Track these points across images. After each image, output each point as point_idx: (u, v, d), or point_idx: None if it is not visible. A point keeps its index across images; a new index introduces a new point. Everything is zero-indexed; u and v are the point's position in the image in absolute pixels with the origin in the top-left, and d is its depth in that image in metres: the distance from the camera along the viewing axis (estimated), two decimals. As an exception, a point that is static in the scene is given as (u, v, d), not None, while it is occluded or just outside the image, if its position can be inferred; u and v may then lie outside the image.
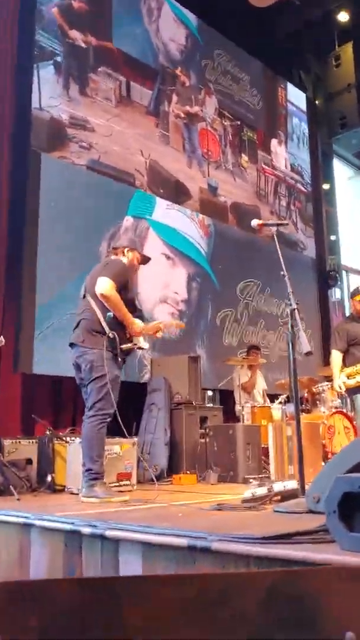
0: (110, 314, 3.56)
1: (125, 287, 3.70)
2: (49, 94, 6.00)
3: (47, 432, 4.54)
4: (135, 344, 3.73)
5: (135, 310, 3.82)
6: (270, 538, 1.77)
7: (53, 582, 0.62)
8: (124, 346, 3.59)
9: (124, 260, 3.86)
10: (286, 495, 2.86)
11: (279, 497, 2.89)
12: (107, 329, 3.54)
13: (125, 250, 3.93)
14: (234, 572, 0.63)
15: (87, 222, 6.06)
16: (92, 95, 6.50)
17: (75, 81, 6.34)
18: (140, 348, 3.87)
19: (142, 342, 3.84)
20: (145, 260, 4.05)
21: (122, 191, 6.61)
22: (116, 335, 3.54)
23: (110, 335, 3.52)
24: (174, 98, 7.68)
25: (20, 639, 0.60)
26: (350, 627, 0.60)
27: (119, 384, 3.64)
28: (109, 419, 3.53)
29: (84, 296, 3.73)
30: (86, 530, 2.24)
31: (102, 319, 3.56)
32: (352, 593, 0.62)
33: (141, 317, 3.91)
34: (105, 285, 3.54)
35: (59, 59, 6.18)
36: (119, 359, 3.60)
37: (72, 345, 3.69)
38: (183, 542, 1.83)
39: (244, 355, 6.92)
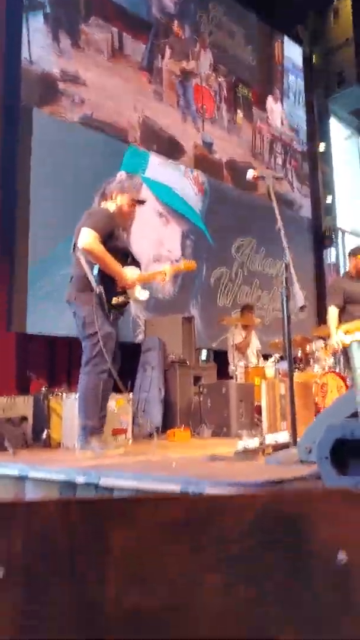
0: (97, 267, 3.38)
1: (112, 235, 3.48)
2: (39, 46, 5.82)
3: (43, 390, 4.55)
4: (129, 297, 3.55)
5: (128, 259, 3.60)
6: (262, 484, 1.80)
7: (39, 504, 0.61)
8: (113, 301, 3.42)
9: (112, 206, 3.64)
10: (278, 447, 2.89)
11: (270, 449, 2.93)
12: (94, 284, 3.35)
13: (114, 194, 3.67)
14: (223, 495, 0.63)
15: (79, 178, 5.95)
16: (83, 47, 6.31)
17: (66, 33, 6.14)
18: (136, 300, 3.68)
19: (139, 293, 3.61)
20: (140, 202, 3.80)
21: (115, 147, 6.49)
22: (102, 291, 3.34)
23: (97, 290, 3.33)
24: (168, 52, 7.47)
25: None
26: (342, 547, 0.60)
27: (114, 339, 3.48)
28: (104, 375, 3.43)
29: (74, 250, 3.53)
30: (80, 479, 2.27)
31: (89, 274, 3.37)
32: (344, 514, 0.62)
33: (137, 266, 3.66)
34: (86, 238, 3.34)
35: (48, 9, 5.97)
36: (111, 314, 3.43)
37: (68, 302, 3.58)
38: (176, 488, 1.86)
39: (238, 315, 6.92)
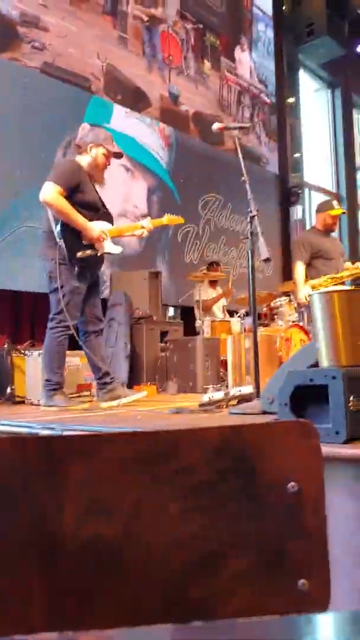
0: (61, 220, 3.33)
1: (78, 188, 3.41)
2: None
3: (5, 346, 4.51)
4: (97, 251, 3.46)
5: (99, 212, 3.53)
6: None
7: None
8: (79, 254, 3.35)
9: (87, 159, 3.55)
10: (242, 399, 2.94)
11: (235, 401, 2.98)
12: (56, 237, 3.32)
13: (89, 147, 3.56)
14: (183, 429, 0.64)
15: (42, 129, 5.76)
16: (44, -11, 6.02)
17: (25, -27, 5.84)
18: (108, 254, 3.59)
19: (110, 247, 3.54)
20: (116, 155, 3.69)
21: (78, 97, 6.28)
22: (63, 245, 3.30)
23: (59, 243, 3.31)
24: (132, -4, 7.19)
25: None
26: (293, 478, 0.62)
27: (81, 294, 3.45)
28: (69, 332, 3.42)
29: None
30: (44, 432, 2.27)
31: (53, 227, 3.34)
32: (299, 446, 0.63)
33: (108, 219, 3.60)
34: (45, 191, 3.29)
35: None
36: (76, 268, 3.37)
37: (39, 256, 3.53)
38: (140, 437, 1.88)
39: (204, 271, 6.91)
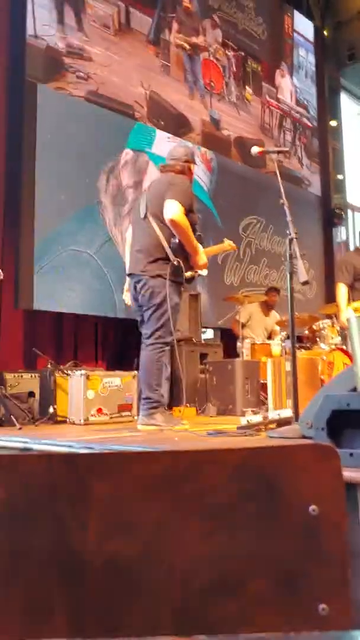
0: (176, 239, 3.29)
1: (191, 208, 3.40)
2: (43, 20, 5.76)
3: (49, 366, 4.60)
4: (197, 271, 3.50)
5: (196, 234, 3.47)
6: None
7: (21, 456, 0.63)
8: (188, 274, 3.37)
9: (187, 181, 3.53)
10: (281, 423, 2.91)
11: (274, 425, 2.95)
12: (171, 255, 3.28)
13: (191, 166, 3.58)
14: (204, 449, 0.65)
15: (85, 155, 5.93)
16: (89, 22, 6.24)
17: (71, 7, 6.07)
18: (199, 275, 3.64)
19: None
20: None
21: (121, 123, 6.44)
22: (181, 263, 3.28)
23: (175, 262, 3.26)
24: (175, 26, 7.36)
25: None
26: (315, 502, 0.62)
27: (179, 311, 3.50)
28: (167, 348, 3.39)
29: (145, 217, 3.42)
30: (83, 451, 2.30)
31: (165, 245, 3.30)
32: (320, 469, 0.63)
33: (200, 240, 3.57)
34: (175, 210, 3.21)
35: (53, -18, 5.90)
36: (180, 286, 3.40)
37: (130, 275, 3.48)
38: (175, 459, 1.88)
39: (245, 293, 6.87)
